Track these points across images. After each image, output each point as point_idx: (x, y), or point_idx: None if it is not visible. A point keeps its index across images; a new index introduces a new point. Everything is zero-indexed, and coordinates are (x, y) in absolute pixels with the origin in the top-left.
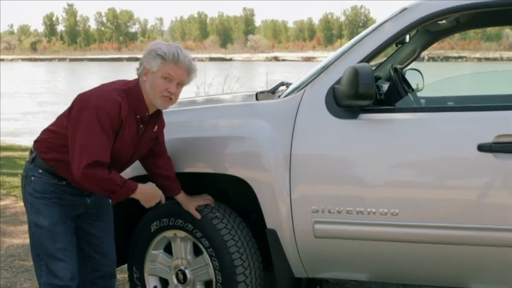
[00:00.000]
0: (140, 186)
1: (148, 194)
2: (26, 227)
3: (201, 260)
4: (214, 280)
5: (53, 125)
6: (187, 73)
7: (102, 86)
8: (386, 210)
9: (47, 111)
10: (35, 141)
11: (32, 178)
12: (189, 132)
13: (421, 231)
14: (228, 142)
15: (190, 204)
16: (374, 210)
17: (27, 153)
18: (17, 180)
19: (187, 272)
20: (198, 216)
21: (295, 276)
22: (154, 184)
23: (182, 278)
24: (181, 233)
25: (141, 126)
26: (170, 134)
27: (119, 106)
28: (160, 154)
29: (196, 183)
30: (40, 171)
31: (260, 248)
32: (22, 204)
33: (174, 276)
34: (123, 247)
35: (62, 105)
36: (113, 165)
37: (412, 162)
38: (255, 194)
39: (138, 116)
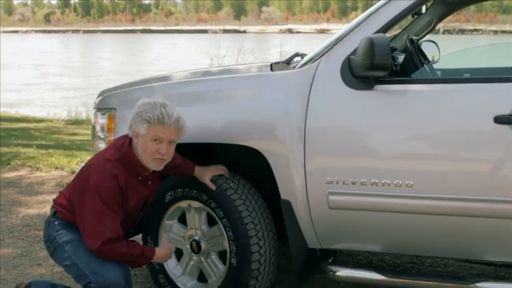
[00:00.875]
0: (157, 251)
1: (165, 255)
2: (41, 197)
3: (215, 231)
4: (228, 250)
5: (66, 190)
6: (176, 131)
7: (98, 157)
8: (401, 182)
9: (49, 82)
10: (54, 200)
11: (56, 223)
12: (203, 103)
13: (435, 203)
14: (243, 113)
15: (205, 175)
16: (388, 182)
17: (42, 124)
18: (32, 151)
19: (201, 242)
20: (212, 187)
21: (309, 247)
22: (166, 239)
23: (196, 248)
24: (195, 204)
25: (149, 182)
26: (185, 105)
27: (116, 178)
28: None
29: (210, 154)
30: (61, 221)
31: (274, 219)
32: (37, 174)
33: (188, 246)
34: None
35: (66, 77)
36: (128, 222)
37: (427, 133)
38: (270, 165)
39: (140, 178)
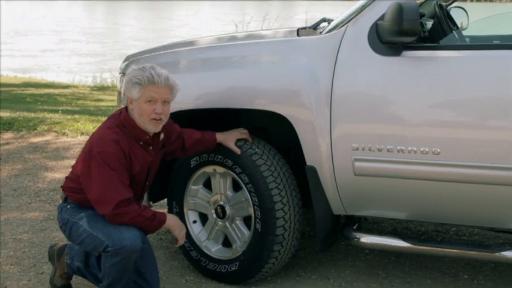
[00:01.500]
0: (168, 215)
1: (178, 223)
2: (67, 162)
3: (240, 196)
4: (253, 216)
5: (71, 173)
6: (168, 90)
7: (99, 128)
8: (427, 149)
9: (66, 48)
10: (62, 187)
11: (68, 207)
12: (229, 68)
13: (462, 171)
14: (269, 78)
15: (229, 140)
16: (415, 149)
17: (67, 90)
18: (57, 117)
19: (226, 207)
20: (238, 151)
21: (334, 214)
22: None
23: (221, 213)
24: (220, 169)
25: (150, 147)
26: (210, 70)
27: (118, 143)
28: (181, 142)
29: (235, 119)
30: (73, 204)
31: (298, 185)
32: (63, 139)
33: (213, 212)
34: (163, 182)
35: (84, 43)
36: (135, 189)
37: (455, 100)
38: (295, 131)
39: (141, 143)
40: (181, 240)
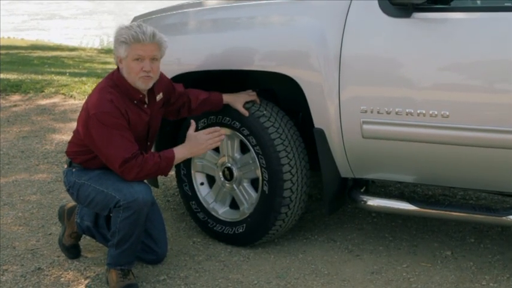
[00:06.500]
0: (176, 149)
1: (189, 147)
2: (74, 124)
3: (247, 158)
4: (260, 178)
5: (73, 137)
6: (156, 47)
7: (93, 90)
8: (436, 112)
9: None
10: (66, 152)
11: (73, 170)
12: (237, 29)
13: (471, 134)
14: (278, 40)
15: (237, 101)
16: (424, 112)
17: (74, 53)
18: (65, 79)
19: (234, 169)
20: (246, 113)
21: (341, 176)
22: (190, 134)
23: (229, 175)
24: (228, 131)
25: (145, 106)
26: (219, 31)
27: (112, 102)
28: (186, 102)
29: (243, 81)
30: (78, 166)
31: (306, 148)
32: (71, 102)
33: (220, 174)
34: (170, 144)
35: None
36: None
37: (466, 63)
38: (304, 93)
39: (135, 102)
40: (209, 146)
